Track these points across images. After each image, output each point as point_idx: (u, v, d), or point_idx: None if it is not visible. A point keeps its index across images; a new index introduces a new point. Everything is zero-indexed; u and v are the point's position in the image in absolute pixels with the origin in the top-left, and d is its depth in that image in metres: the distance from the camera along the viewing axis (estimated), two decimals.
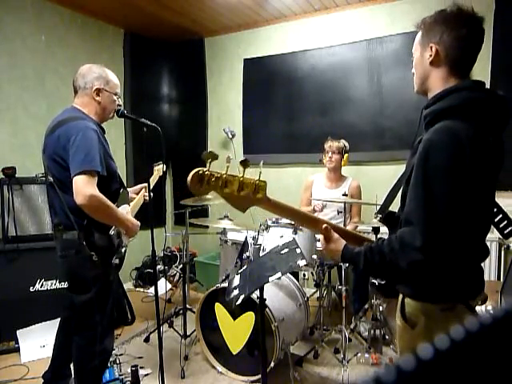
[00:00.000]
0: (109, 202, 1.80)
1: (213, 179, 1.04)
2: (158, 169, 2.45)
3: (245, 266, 2.11)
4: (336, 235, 1.21)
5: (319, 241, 2.97)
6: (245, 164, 1.11)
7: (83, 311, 1.92)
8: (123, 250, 2.03)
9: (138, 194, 2.33)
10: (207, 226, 4.27)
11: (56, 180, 1.84)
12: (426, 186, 1.02)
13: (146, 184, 2.32)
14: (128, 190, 2.25)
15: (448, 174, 1.01)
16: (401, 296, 1.23)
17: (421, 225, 1.01)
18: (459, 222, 1.01)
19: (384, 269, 1.11)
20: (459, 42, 1.10)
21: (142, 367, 2.50)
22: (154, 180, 2.43)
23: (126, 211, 2.06)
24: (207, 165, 1.06)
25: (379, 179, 3.64)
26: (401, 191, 1.19)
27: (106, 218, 1.85)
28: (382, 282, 1.26)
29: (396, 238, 1.06)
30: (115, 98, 2.02)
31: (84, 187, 1.71)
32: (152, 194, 2.25)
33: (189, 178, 1.02)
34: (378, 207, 1.29)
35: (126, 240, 2.05)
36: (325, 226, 1.21)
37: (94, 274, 1.86)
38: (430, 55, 1.13)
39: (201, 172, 1.01)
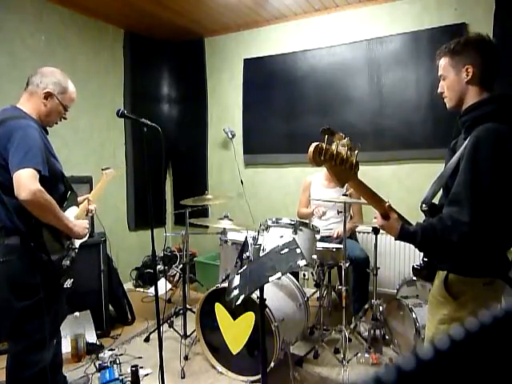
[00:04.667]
0: (53, 200, 1.71)
1: (328, 153, 1.20)
2: (107, 173, 2.27)
3: (245, 266, 2.11)
4: (395, 215, 1.40)
5: (320, 241, 2.96)
6: (328, 132, 1.26)
7: (23, 316, 1.78)
8: (73, 253, 1.93)
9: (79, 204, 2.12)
10: (207, 226, 4.27)
11: None
12: (474, 171, 1.22)
13: (88, 195, 2.20)
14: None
15: (493, 162, 1.22)
16: (443, 273, 1.39)
17: (468, 203, 1.21)
18: (501, 204, 1.21)
19: (437, 244, 1.30)
20: (489, 63, 1.35)
21: (141, 367, 2.50)
22: (101, 187, 2.27)
23: (75, 215, 1.96)
24: (324, 139, 1.24)
25: (379, 179, 3.64)
26: (444, 184, 1.39)
27: (49, 217, 1.73)
28: (423, 265, 1.46)
29: (446, 216, 1.26)
30: (62, 110, 1.93)
31: (28, 182, 1.62)
32: (95, 208, 2.16)
33: (311, 149, 1.17)
34: (424, 198, 1.46)
35: (77, 242, 1.96)
36: (388, 204, 1.41)
37: (40, 279, 1.73)
38: (467, 75, 1.34)
39: (320, 146, 1.19)
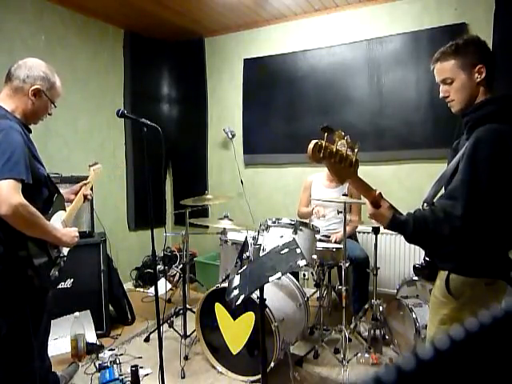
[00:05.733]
0: (37, 212, 1.58)
1: (327, 150, 1.20)
2: (95, 169, 2.20)
3: (245, 266, 2.11)
4: (387, 204, 1.36)
5: (320, 241, 2.95)
6: (328, 130, 1.25)
7: (14, 333, 1.69)
8: (62, 262, 1.83)
9: (76, 193, 2.05)
10: (207, 226, 4.28)
11: None
12: (473, 170, 1.23)
13: (85, 181, 2.12)
14: (66, 190, 2.04)
15: (492, 162, 1.22)
16: (445, 273, 1.38)
17: (463, 199, 1.22)
18: (498, 202, 1.22)
19: (428, 236, 1.29)
20: (493, 62, 1.36)
21: (141, 367, 2.50)
22: (92, 182, 2.18)
23: (62, 219, 1.85)
24: (324, 136, 1.22)
25: (379, 179, 3.64)
26: (445, 184, 1.38)
27: (35, 231, 1.61)
28: (424, 264, 1.46)
29: (439, 209, 1.27)
30: (50, 106, 1.81)
31: (9, 195, 1.48)
32: (92, 195, 2.10)
33: (310, 145, 1.18)
34: (425, 197, 1.45)
35: (65, 250, 1.88)
36: (378, 192, 1.38)
37: (25, 292, 1.65)
38: (479, 75, 1.33)
39: (319, 143, 1.19)
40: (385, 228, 1.36)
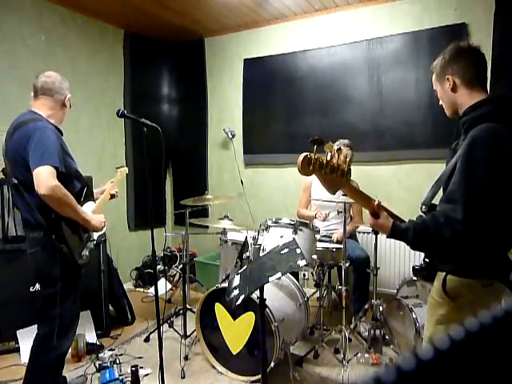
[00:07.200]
0: (69, 194, 1.88)
1: (317, 163, 1.20)
2: (121, 171, 2.51)
3: (245, 266, 2.11)
4: (385, 213, 1.38)
5: (320, 241, 2.95)
6: (317, 142, 1.24)
7: (46, 303, 2.00)
8: (92, 244, 2.14)
9: (103, 192, 2.36)
10: (207, 226, 4.27)
11: (20, 181, 1.92)
12: (469, 170, 1.23)
13: (111, 181, 2.42)
14: (96, 190, 2.34)
15: (488, 161, 1.22)
16: (442, 274, 1.38)
17: (462, 201, 1.21)
18: (496, 203, 1.22)
19: (430, 241, 1.29)
20: (468, 66, 1.39)
21: (141, 367, 2.50)
22: (117, 182, 2.46)
23: (92, 209, 2.14)
24: (314, 149, 1.22)
25: (379, 179, 3.64)
26: (443, 185, 1.38)
27: (67, 210, 1.90)
28: (423, 265, 1.46)
29: (440, 214, 1.27)
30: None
31: (47, 178, 1.78)
32: (116, 192, 2.42)
33: (299, 159, 1.18)
34: (423, 199, 1.46)
35: (95, 234, 2.17)
36: (377, 202, 1.38)
37: (60, 269, 1.92)
38: (449, 85, 1.42)
39: (309, 156, 1.19)
40: (387, 237, 1.38)
